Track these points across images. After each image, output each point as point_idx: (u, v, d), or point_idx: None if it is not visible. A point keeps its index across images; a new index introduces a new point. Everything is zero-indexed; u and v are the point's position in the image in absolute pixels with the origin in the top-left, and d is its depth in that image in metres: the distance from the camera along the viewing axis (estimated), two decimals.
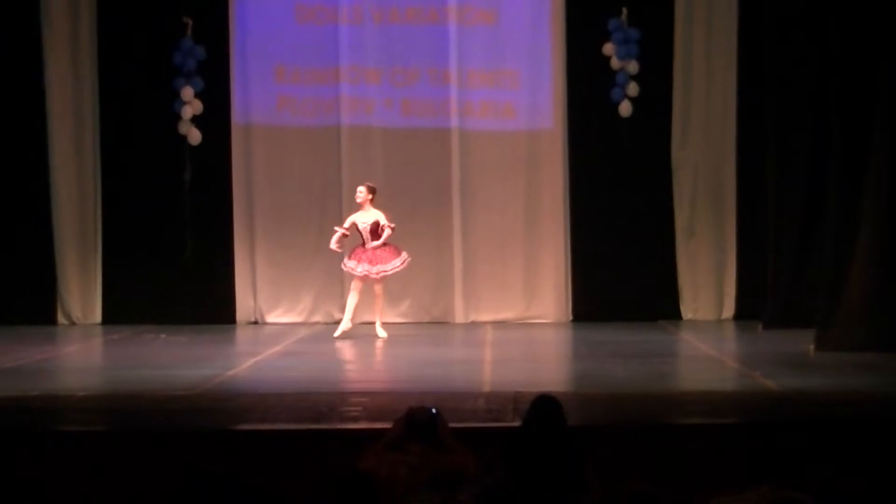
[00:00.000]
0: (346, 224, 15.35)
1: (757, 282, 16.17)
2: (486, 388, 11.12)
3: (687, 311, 17.11)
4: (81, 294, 17.22)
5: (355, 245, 15.39)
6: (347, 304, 15.41)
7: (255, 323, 17.28)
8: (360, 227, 15.26)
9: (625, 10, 16.83)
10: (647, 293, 16.93)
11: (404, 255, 15.36)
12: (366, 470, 6.66)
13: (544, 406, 7.00)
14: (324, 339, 15.50)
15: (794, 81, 15.19)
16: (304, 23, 17.26)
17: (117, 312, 17.09)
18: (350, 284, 15.54)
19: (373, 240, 15.21)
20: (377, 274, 15.24)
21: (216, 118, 17.06)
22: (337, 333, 15.26)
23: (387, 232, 15.17)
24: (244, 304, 17.29)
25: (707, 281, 17.08)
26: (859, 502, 5.89)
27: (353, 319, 15.37)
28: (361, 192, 15.39)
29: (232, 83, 17.17)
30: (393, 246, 15.34)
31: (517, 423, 7.64)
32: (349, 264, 15.32)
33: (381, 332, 15.29)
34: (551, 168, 17.19)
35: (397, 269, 15.39)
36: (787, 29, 15.21)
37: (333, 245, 15.32)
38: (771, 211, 15.62)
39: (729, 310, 17.10)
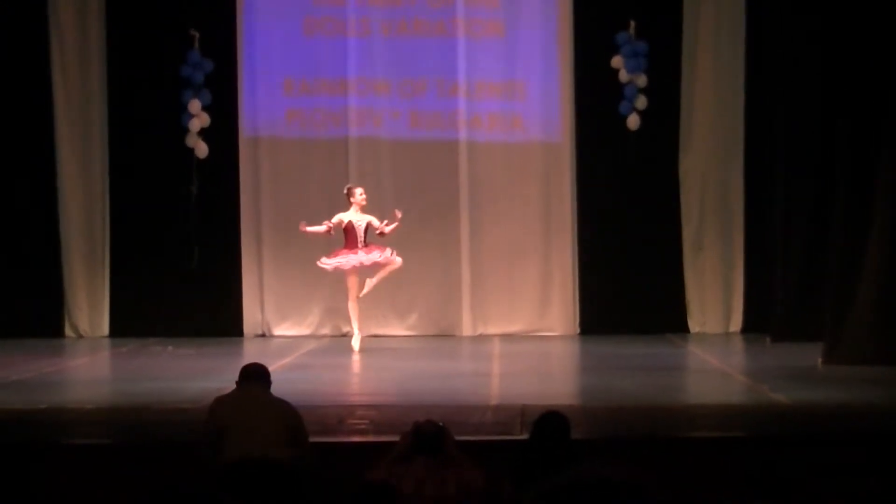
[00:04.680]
0: (334, 220, 15.27)
1: (765, 295, 16.14)
2: (494, 402, 11.10)
3: (694, 325, 17.09)
4: (89, 307, 17.23)
5: (336, 248, 15.32)
6: (353, 316, 15.39)
7: (263, 336, 17.28)
8: (356, 224, 15.16)
9: (633, 24, 16.84)
10: (654, 306, 16.92)
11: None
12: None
13: (549, 424, 7.00)
14: (332, 352, 15.50)
15: (802, 94, 15.17)
16: (312, 35, 17.28)
17: (125, 325, 17.11)
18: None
19: (365, 239, 15.14)
20: (383, 260, 15.14)
21: (224, 131, 17.07)
22: (356, 347, 15.23)
23: (392, 226, 15.10)
24: (252, 317, 17.29)
25: (715, 294, 17.06)
26: None
27: (360, 329, 15.38)
28: (364, 195, 15.34)
29: (240, 96, 17.18)
30: (376, 244, 15.27)
31: (525, 437, 7.64)
32: (349, 259, 15.18)
33: (366, 286, 15.22)
34: (559, 180, 17.19)
35: (389, 258, 15.26)
36: (795, 42, 15.20)
37: (308, 228, 15.19)
38: (779, 224, 15.60)
39: (737, 323, 17.09)
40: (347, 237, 15.21)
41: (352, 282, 15.29)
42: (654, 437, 9.38)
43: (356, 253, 15.13)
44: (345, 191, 15.46)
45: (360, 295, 15.26)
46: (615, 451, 8.48)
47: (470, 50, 17.20)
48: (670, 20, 16.86)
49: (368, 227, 15.18)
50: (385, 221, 15.18)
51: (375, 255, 15.15)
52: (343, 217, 15.23)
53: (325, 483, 8.12)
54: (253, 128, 17.24)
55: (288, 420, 7.86)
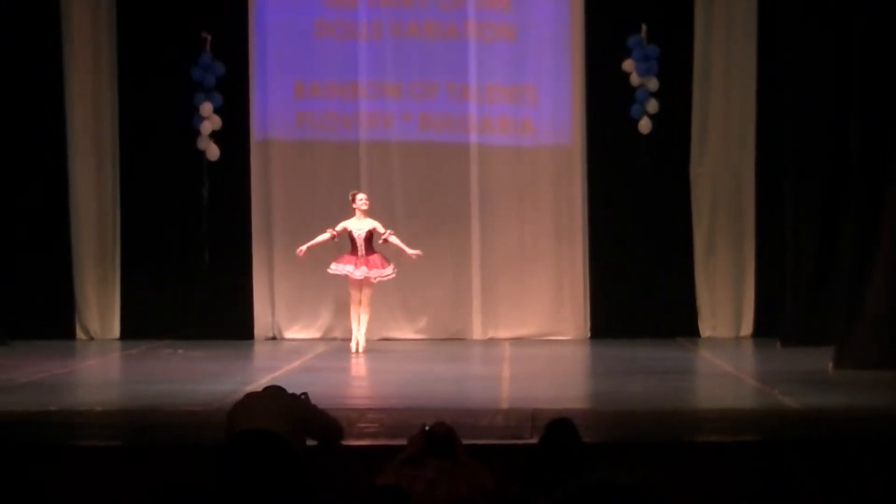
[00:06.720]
0: (338, 228, 15.35)
1: (776, 299, 16.13)
2: (504, 405, 11.10)
3: (705, 329, 17.07)
4: (100, 309, 17.25)
5: (343, 252, 15.41)
6: (353, 320, 15.45)
7: (273, 338, 17.29)
8: (356, 234, 15.27)
9: (644, 27, 16.83)
10: (665, 310, 16.92)
11: (393, 265, 15.37)
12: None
13: (558, 429, 6.99)
14: (342, 355, 15.49)
15: (815, 98, 15.16)
16: (323, 38, 17.29)
17: (135, 327, 17.12)
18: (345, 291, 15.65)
19: (367, 247, 15.22)
20: (375, 279, 15.27)
21: (235, 134, 17.09)
22: (358, 349, 15.29)
23: (392, 237, 15.22)
24: (262, 320, 17.30)
25: (725, 298, 17.05)
26: None
27: (360, 331, 15.45)
28: (366, 201, 15.41)
29: (251, 98, 17.20)
30: (382, 255, 15.36)
31: (535, 441, 7.63)
32: (346, 269, 15.31)
33: (362, 346, 15.32)
34: (570, 184, 17.18)
35: (390, 277, 15.40)
36: (807, 47, 15.18)
37: (304, 247, 15.35)
38: (789, 228, 15.59)
39: (747, 327, 17.07)
40: (351, 244, 15.31)
41: (354, 290, 15.37)
42: (664, 441, 9.37)
43: (356, 264, 15.22)
44: (349, 196, 15.55)
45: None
46: (626, 455, 8.47)
47: (481, 53, 17.21)
48: (682, 24, 16.85)
49: (372, 234, 15.23)
50: (390, 231, 15.23)
51: (364, 270, 15.22)
52: (346, 224, 15.32)
53: (336, 486, 8.12)
54: (264, 130, 17.26)
55: (297, 410, 7.87)
